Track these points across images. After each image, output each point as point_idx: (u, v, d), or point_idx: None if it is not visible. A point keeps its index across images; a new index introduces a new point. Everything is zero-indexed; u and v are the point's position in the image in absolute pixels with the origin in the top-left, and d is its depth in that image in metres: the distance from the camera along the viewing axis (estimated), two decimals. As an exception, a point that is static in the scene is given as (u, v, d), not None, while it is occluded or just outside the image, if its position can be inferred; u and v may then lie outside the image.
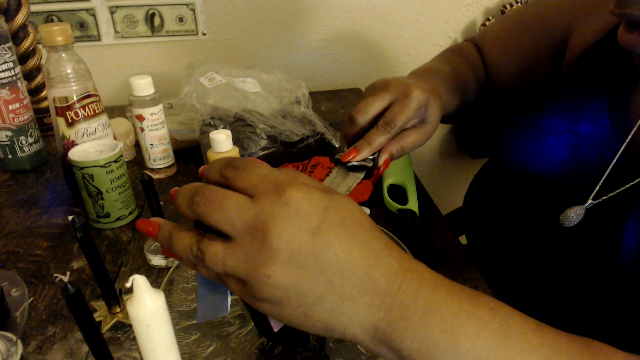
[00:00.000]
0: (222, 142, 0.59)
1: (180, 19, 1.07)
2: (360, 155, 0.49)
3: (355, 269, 0.29)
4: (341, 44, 1.16)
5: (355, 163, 0.50)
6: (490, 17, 1.13)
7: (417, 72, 0.62)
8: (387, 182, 0.67)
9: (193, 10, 1.06)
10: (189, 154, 0.82)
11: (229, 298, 0.34)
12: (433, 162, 1.34)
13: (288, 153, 0.76)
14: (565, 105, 0.53)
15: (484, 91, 0.69)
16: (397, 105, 0.50)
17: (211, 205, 0.29)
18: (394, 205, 0.64)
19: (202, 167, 0.34)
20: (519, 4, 1.12)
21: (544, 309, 0.50)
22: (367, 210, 0.64)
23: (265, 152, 0.74)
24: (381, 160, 0.51)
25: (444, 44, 1.19)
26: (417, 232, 0.59)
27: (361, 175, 0.50)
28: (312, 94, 0.89)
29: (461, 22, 1.16)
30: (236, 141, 0.72)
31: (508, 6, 1.12)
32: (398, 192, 0.67)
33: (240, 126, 0.74)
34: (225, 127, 0.73)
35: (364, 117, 0.50)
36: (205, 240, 0.30)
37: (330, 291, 0.28)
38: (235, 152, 0.60)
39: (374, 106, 0.51)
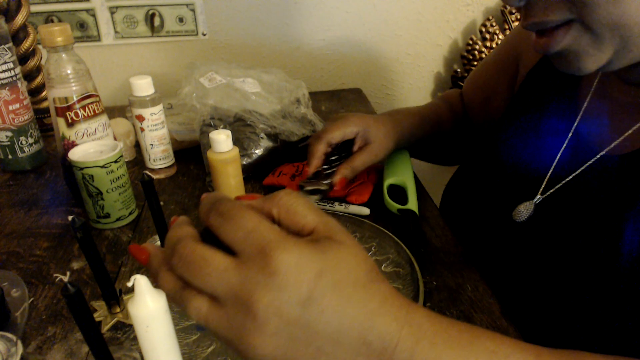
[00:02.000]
0: (222, 142, 0.59)
1: (180, 19, 1.07)
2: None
3: (349, 334, 0.27)
4: (341, 44, 1.16)
5: (310, 188, 0.61)
6: (490, 17, 1.13)
7: (381, 114, 0.73)
8: (387, 182, 0.67)
9: (193, 10, 1.06)
10: (189, 154, 0.82)
11: None
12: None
13: (288, 153, 0.76)
14: (521, 111, 0.61)
15: (462, 123, 0.80)
16: (336, 130, 0.64)
17: (190, 268, 0.27)
18: (394, 206, 0.64)
19: (204, 196, 0.32)
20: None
21: (538, 306, 0.50)
22: (367, 211, 0.64)
23: (265, 152, 0.74)
24: (336, 179, 0.61)
25: (444, 44, 1.19)
26: (418, 232, 0.59)
27: (317, 198, 0.60)
28: (312, 94, 0.90)
29: (461, 22, 1.17)
30: (236, 141, 0.72)
31: (508, 6, 1.12)
32: (398, 192, 0.67)
33: (240, 126, 0.74)
34: (225, 127, 0.73)
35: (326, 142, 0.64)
36: (189, 293, 0.28)
37: (321, 357, 0.27)
38: (235, 152, 0.60)
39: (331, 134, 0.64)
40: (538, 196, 0.51)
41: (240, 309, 0.26)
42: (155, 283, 0.31)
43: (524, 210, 0.51)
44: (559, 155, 0.52)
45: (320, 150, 0.63)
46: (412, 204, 0.63)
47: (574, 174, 0.49)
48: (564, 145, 0.52)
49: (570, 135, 0.52)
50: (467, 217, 0.63)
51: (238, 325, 0.27)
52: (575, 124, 0.52)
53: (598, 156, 0.48)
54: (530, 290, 0.50)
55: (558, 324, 0.47)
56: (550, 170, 0.52)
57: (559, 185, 0.50)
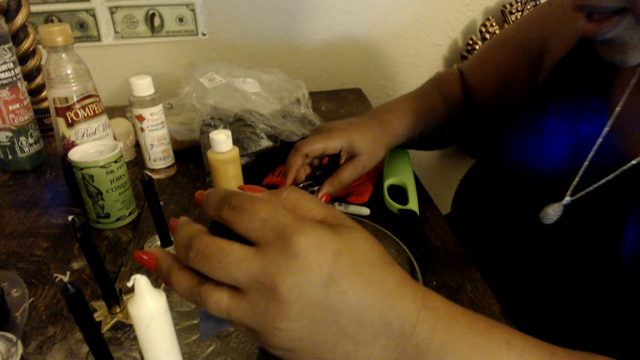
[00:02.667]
0: (222, 142, 0.59)
1: (180, 19, 1.07)
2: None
3: (370, 314, 0.28)
4: (341, 44, 1.16)
5: None
6: (490, 17, 1.13)
7: (369, 113, 0.68)
8: (388, 182, 0.67)
9: (193, 10, 1.06)
10: (189, 154, 0.82)
11: None
12: (433, 162, 1.34)
13: (288, 153, 0.76)
14: (539, 112, 0.56)
15: (460, 114, 0.74)
16: (316, 142, 0.60)
17: (208, 262, 0.27)
18: (395, 206, 0.64)
19: (199, 193, 0.32)
20: (519, 4, 1.12)
21: (542, 306, 0.50)
22: (367, 211, 0.64)
23: (265, 152, 0.74)
24: (320, 194, 0.59)
25: (444, 44, 1.19)
26: (418, 233, 0.59)
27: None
28: (312, 94, 0.89)
29: (461, 22, 1.17)
30: (236, 141, 0.72)
31: (508, 6, 1.12)
32: (398, 192, 0.67)
33: (240, 126, 0.74)
34: (225, 127, 0.73)
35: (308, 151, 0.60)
36: (207, 287, 0.28)
37: (344, 339, 0.28)
38: (235, 152, 0.60)
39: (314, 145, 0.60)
40: (567, 198, 0.49)
41: (264, 294, 0.26)
42: (167, 286, 0.30)
43: (552, 212, 0.49)
44: (589, 157, 0.49)
45: (296, 162, 0.59)
46: (413, 204, 0.63)
47: (606, 179, 0.47)
48: (595, 147, 0.49)
49: (601, 139, 0.49)
50: (483, 216, 0.61)
51: (262, 312, 0.27)
52: (608, 126, 0.49)
53: (634, 162, 0.45)
54: (542, 290, 0.50)
55: (563, 325, 0.47)
56: (581, 172, 0.49)
57: (590, 188, 0.48)
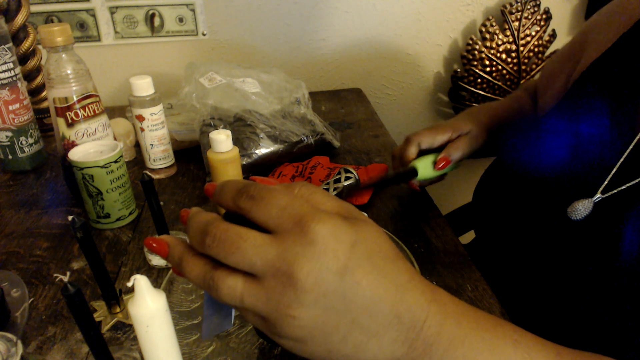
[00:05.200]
0: (222, 142, 0.59)
1: (180, 19, 1.07)
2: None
3: (382, 306, 0.28)
4: (341, 44, 1.16)
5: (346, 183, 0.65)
6: (490, 17, 1.13)
7: (463, 112, 0.73)
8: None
9: (193, 10, 1.06)
10: (189, 154, 0.82)
11: (234, 314, 0.34)
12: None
13: (288, 153, 0.76)
14: (569, 110, 0.56)
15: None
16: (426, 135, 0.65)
17: (225, 247, 0.27)
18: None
19: (209, 185, 0.31)
20: (519, 4, 1.12)
21: (545, 304, 0.50)
22: (364, 216, 0.64)
23: (265, 152, 0.74)
24: (441, 156, 0.64)
25: (444, 44, 1.19)
26: (403, 176, 0.63)
27: (344, 185, 0.65)
28: (312, 94, 0.90)
29: (461, 22, 1.17)
30: (236, 141, 0.72)
31: (508, 6, 1.12)
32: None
33: (240, 126, 0.74)
34: (225, 127, 0.73)
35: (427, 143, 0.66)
36: (221, 273, 0.28)
37: (355, 329, 0.28)
38: (235, 152, 0.60)
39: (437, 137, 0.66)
40: (598, 195, 0.48)
41: (280, 280, 0.27)
42: (178, 273, 0.30)
43: (582, 208, 0.48)
44: (624, 155, 0.48)
45: (412, 152, 0.64)
46: (421, 162, 0.64)
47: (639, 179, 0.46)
48: (631, 146, 0.48)
49: (636, 139, 0.48)
50: (507, 210, 0.60)
51: (277, 298, 0.27)
52: None
53: None
54: (551, 288, 0.50)
55: (569, 325, 0.47)
56: (614, 170, 0.48)
57: (623, 187, 0.47)
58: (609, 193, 0.48)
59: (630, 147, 0.48)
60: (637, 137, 0.48)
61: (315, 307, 0.27)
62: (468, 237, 0.82)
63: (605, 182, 0.48)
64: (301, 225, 0.27)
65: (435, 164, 0.64)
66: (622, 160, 0.48)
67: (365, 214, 0.31)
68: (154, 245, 0.31)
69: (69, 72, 0.61)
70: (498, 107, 0.74)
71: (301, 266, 0.26)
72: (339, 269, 0.27)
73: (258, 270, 0.27)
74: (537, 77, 0.83)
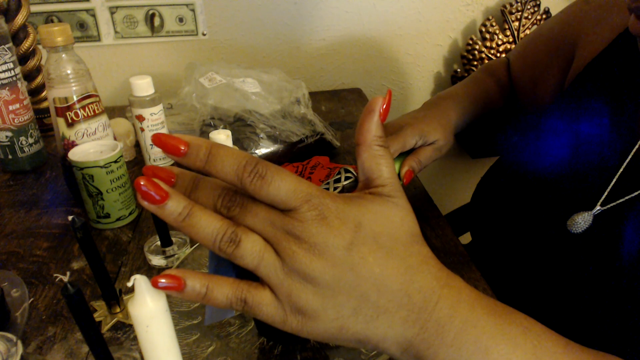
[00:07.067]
0: (222, 142, 0.59)
1: (180, 19, 1.07)
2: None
3: (391, 284, 0.28)
4: (341, 44, 1.16)
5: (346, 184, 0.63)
6: (490, 17, 1.13)
7: (427, 103, 0.69)
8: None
9: (193, 10, 1.06)
10: (189, 154, 0.81)
11: None
12: (433, 162, 1.33)
13: (288, 153, 0.76)
14: (568, 111, 0.55)
15: (510, 96, 0.76)
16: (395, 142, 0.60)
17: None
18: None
19: (170, 138, 0.27)
20: (519, 4, 1.12)
21: (544, 310, 0.50)
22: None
23: (265, 152, 0.74)
24: (403, 171, 0.59)
25: (444, 44, 1.19)
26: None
27: (344, 185, 0.60)
28: (312, 94, 0.90)
29: (461, 22, 1.17)
30: (236, 141, 0.72)
31: (508, 6, 1.12)
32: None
33: (240, 126, 0.74)
34: (225, 127, 0.73)
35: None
36: (244, 229, 0.28)
37: (365, 304, 0.28)
38: (235, 152, 0.60)
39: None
40: (598, 207, 0.48)
41: (300, 245, 0.27)
42: (188, 228, 0.28)
43: (582, 221, 0.48)
44: (624, 164, 0.48)
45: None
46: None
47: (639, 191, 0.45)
48: (629, 157, 0.47)
49: (635, 149, 0.47)
50: (505, 215, 0.60)
51: (295, 258, 0.27)
52: None
53: None
54: (551, 294, 0.49)
55: (567, 330, 0.47)
56: (613, 182, 0.48)
57: (622, 200, 0.46)
58: (609, 205, 0.47)
59: (630, 155, 0.47)
60: (638, 145, 0.47)
61: (329, 274, 0.27)
62: (468, 237, 0.82)
63: (605, 194, 0.48)
64: (309, 204, 0.27)
65: (399, 175, 0.61)
66: (621, 170, 0.48)
67: (405, 196, 0.31)
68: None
69: (69, 72, 0.61)
70: (465, 100, 0.70)
71: (313, 235, 0.27)
72: (345, 244, 0.27)
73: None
74: (502, 59, 0.79)
